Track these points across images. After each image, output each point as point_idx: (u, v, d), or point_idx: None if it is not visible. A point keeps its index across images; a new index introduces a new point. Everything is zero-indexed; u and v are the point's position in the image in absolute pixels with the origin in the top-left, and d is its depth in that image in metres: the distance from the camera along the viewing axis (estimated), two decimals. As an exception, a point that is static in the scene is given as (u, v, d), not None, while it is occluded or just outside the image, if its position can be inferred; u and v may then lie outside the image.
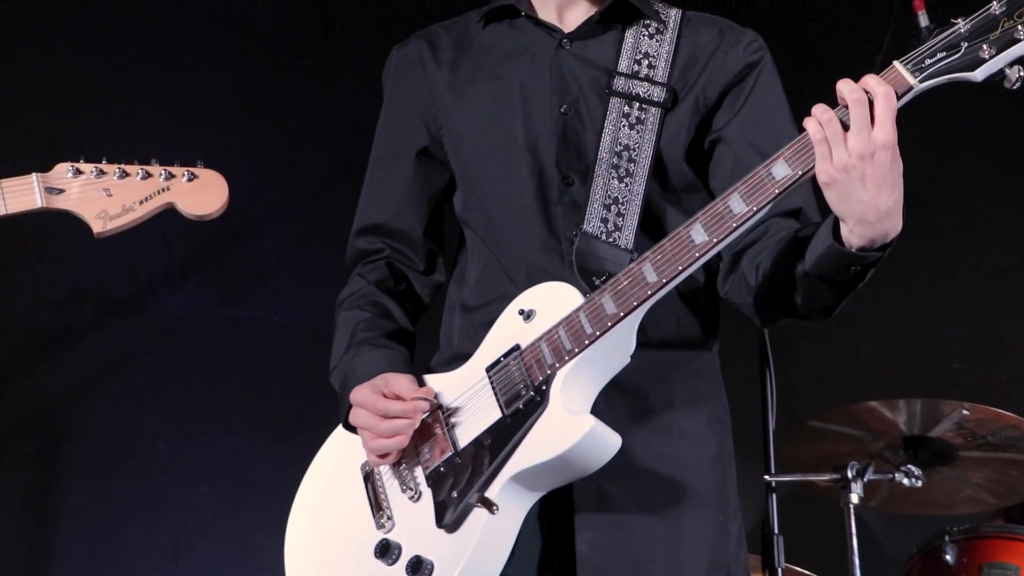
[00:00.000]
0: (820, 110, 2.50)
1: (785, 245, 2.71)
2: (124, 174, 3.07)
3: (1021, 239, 5.66)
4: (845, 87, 2.49)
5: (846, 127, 2.48)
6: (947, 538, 4.70)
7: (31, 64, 5.11)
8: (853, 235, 2.53)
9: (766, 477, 4.26)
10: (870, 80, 2.49)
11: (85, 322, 5.11)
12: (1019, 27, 2.45)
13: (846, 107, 2.49)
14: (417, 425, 2.76)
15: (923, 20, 4.69)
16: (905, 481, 4.58)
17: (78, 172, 3.05)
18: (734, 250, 2.84)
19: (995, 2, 2.48)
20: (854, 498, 4.50)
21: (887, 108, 2.46)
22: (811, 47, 5.41)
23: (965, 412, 4.58)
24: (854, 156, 2.47)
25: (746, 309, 2.84)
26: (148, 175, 3.07)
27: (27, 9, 5.12)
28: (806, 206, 2.84)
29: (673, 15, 2.97)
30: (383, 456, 2.79)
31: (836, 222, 2.57)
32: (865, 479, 4.51)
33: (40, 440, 5.02)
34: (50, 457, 5.03)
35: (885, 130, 2.46)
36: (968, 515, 5.00)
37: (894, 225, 2.52)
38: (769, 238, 2.79)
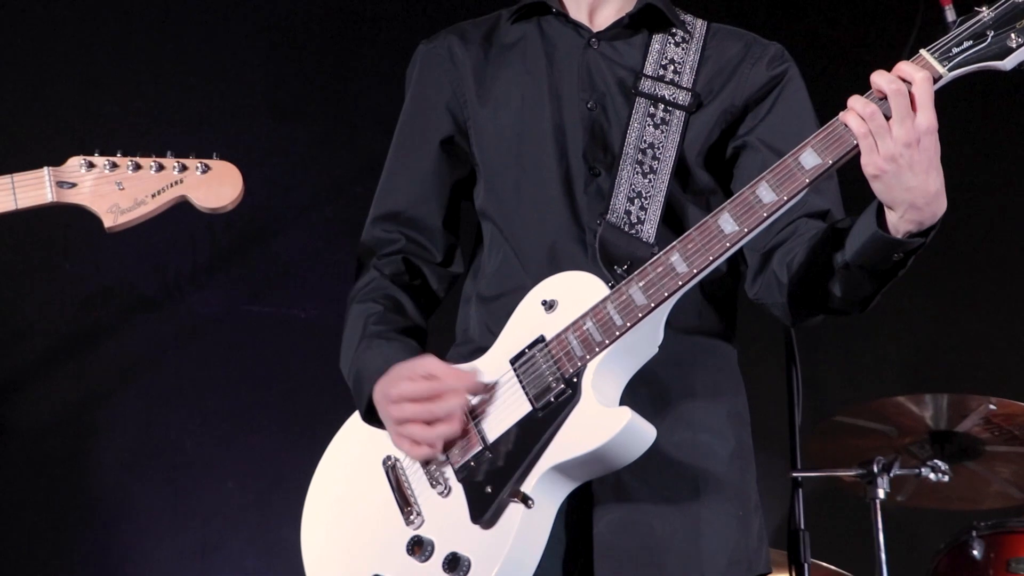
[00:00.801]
0: (860, 104, 2.51)
1: (821, 238, 2.72)
2: (137, 167, 3.01)
3: (1049, 233, 5.65)
4: (882, 78, 2.50)
5: (887, 116, 2.49)
6: (974, 533, 4.69)
7: (56, 62, 5.12)
8: (903, 221, 2.54)
9: (792, 473, 4.25)
10: (905, 67, 2.50)
11: (112, 320, 5.12)
12: None
13: (882, 98, 2.50)
14: (465, 403, 2.74)
15: (950, 15, 4.67)
16: (932, 476, 4.56)
17: (91, 166, 3.00)
18: (762, 251, 2.86)
19: None
20: (880, 493, 4.50)
21: (926, 93, 2.48)
22: (837, 44, 5.40)
23: (992, 407, 4.57)
24: (900, 145, 2.48)
25: (777, 309, 2.85)
26: (161, 168, 3.01)
27: (52, 5, 5.14)
28: (834, 208, 2.85)
29: (699, 26, 3.01)
30: (432, 447, 2.74)
31: (878, 211, 2.58)
32: (891, 474, 4.50)
33: (68, 438, 5.03)
34: (78, 455, 5.05)
35: (927, 115, 2.48)
36: (995, 510, 4.99)
37: (941, 205, 2.54)
38: (800, 236, 2.80)
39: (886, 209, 2.56)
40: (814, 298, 2.76)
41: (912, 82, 2.48)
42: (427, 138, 3.04)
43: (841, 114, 2.54)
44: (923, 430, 4.75)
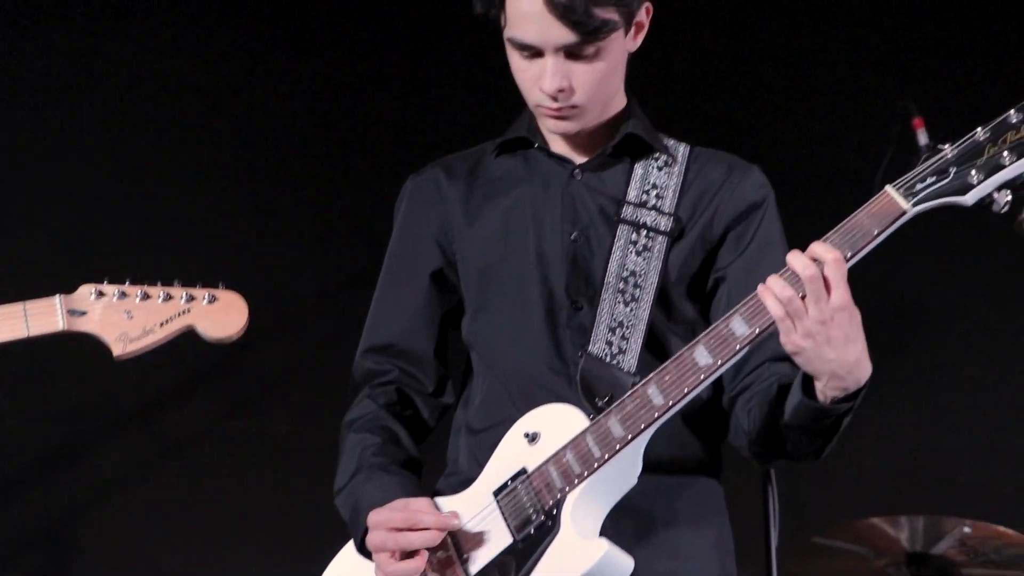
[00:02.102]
0: (779, 287, 2.58)
1: (769, 396, 2.80)
2: (146, 296, 3.03)
3: (1026, 350, 5.67)
4: (797, 262, 2.57)
5: (803, 295, 2.56)
6: (952, 658, 4.68)
7: (49, 183, 5.18)
8: (828, 388, 2.63)
9: (770, 594, 4.24)
10: (818, 249, 2.57)
11: (94, 435, 5.13)
12: (1004, 153, 2.53)
13: (797, 277, 2.56)
14: (438, 542, 2.77)
15: (922, 138, 4.74)
16: (908, 599, 4.56)
17: (100, 294, 3.03)
18: (730, 395, 2.91)
19: (980, 129, 2.56)
20: (858, 616, 4.50)
21: (838, 273, 2.55)
22: (812, 164, 5.45)
23: (967, 530, 4.57)
24: (815, 324, 2.55)
25: (744, 452, 2.92)
26: (169, 297, 3.03)
27: (44, 127, 5.20)
28: None
29: (682, 150, 3.05)
30: None
31: (806, 377, 2.66)
32: (868, 597, 4.50)
33: (48, 553, 5.03)
34: (58, 570, 5.04)
35: (839, 293, 2.55)
36: (972, 634, 4.97)
37: (864, 371, 2.62)
38: (760, 383, 2.86)
39: (813, 379, 2.65)
40: (771, 450, 2.85)
41: (825, 263, 2.55)
42: (416, 271, 3.09)
43: (760, 290, 2.61)
44: (899, 552, 4.74)
